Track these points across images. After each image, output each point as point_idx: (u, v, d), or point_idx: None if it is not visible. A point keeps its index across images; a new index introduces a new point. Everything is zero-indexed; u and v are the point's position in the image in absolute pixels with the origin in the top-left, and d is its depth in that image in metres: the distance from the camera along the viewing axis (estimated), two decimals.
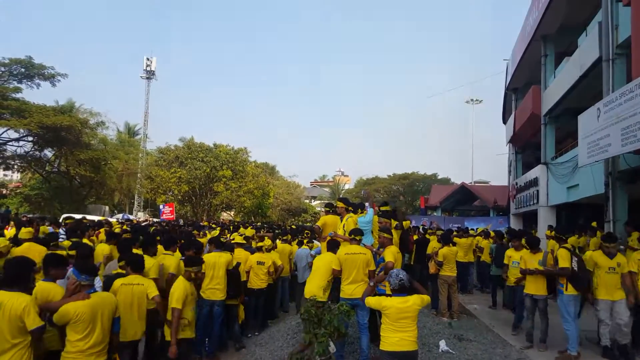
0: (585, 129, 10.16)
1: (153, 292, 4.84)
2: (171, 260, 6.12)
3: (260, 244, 8.30)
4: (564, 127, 16.46)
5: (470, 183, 39.83)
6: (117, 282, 4.76)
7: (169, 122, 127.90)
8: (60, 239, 7.62)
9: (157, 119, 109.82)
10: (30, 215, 25.18)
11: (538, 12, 15.39)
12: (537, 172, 16.95)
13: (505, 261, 8.32)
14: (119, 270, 5.34)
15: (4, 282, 3.64)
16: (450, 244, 9.00)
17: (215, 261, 6.47)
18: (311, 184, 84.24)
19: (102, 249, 6.92)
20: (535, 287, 6.80)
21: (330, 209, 7.63)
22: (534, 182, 17.24)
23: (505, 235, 11.00)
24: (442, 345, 6.40)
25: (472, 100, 47.88)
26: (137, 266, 5.02)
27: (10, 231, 9.93)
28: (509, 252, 8.26)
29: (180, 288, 4.91)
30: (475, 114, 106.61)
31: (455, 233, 10.96)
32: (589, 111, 10.09)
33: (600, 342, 6.35)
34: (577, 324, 6.27)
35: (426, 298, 4.29)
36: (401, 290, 4.21)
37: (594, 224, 11.39)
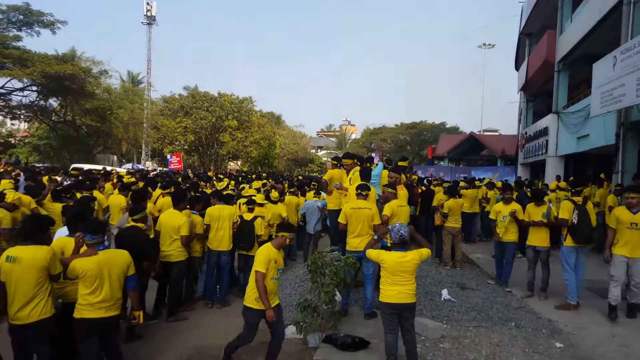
0: (600, 77, 9.86)
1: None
2: (198, 219, 6.47)
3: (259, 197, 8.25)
4: (577, 75, 15.97)
5: (479, 132, 39.44)
6: None
7: (172, 70, 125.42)
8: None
9: (160, 67, 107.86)
10: (40, 165, 25.61)
11: None
12: (547, 121, 16.67)
13: (492, 216, 7.94)
14: (132, 223, 5.48)
15: (19, 236, 3.79)
16: (457, 196, 9.05)
17: (219, 214, 6.66)
18: (317, 134, 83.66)
19: (120, 201, 7.07)
20: (538, 239, 6.90)
21: (338, 162, 7.64)
22: (544, 132, 17.00)
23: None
24: (445, 293, 6.61)
25: (484, 45, 46.36)
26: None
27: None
28: (497, 207, 7.81)
29: (264, 253, 4.46)
30: (487, 60, 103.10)
31: (461, 184, 10.96)
32: (605, 59, 9.74)
33: (609, 299, 5.99)
34: (580, 274, 6.44)
35: (425, 252, 4.34)
36: (401, 244, 4.26)
37: (602, 175, 11.35)
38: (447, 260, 8.93)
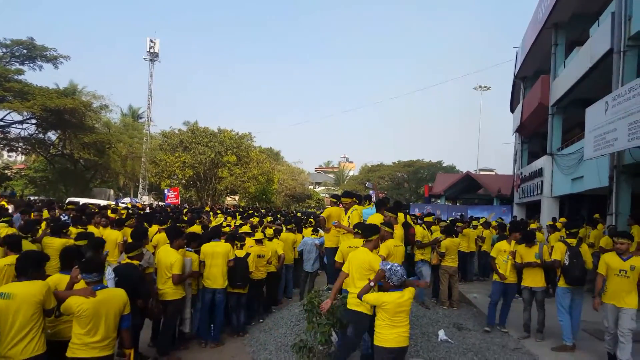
0: (593, 122, 10.12)
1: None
2: (194, 256, 6.47)
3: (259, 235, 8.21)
4: (571, 118, 16.35)
5: (475, 171, 39.79)
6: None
7: (172, 105, 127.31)
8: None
9: (160, 102, 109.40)
10: (36, 198, 25.54)
11: (550, 0, 15.16)
12: (542, 162, 16.92)
13: (494, 253, 7.46)
14: (127, 260, 5.46)
15: (17, 273, 3.78)
16: (453, 235, 9.07)
17: (213, 250, 6.63)
18: (316, 170, 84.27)
19: (115, 236, 7.04)
20: (532, 280, 6.86)
21: (336, 200, 7.69)
22: (539, 173, 17.21)
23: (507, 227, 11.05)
24: (441, 334, 6.52)
25: (480, 87, 47.49)
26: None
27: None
28: (501, 245, 7.41)
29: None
30: (483, 102, 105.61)
31: (459, 225, 11.01)
32: (597, 104, 10.04)
33: (605, 347, 5.79)
34: (576, 315, 6.46)
35: (413, 290, 4.35)
36: (400, 285, 4.24)
37: (596, 215, 11.43)
38: (444, 300, 8.85)
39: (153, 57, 42.64)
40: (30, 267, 3.80)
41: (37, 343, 3.65)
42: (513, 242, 7.29)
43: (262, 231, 8.43)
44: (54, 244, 6.32)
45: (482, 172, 41.87)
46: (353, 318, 4.63)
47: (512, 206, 22.53)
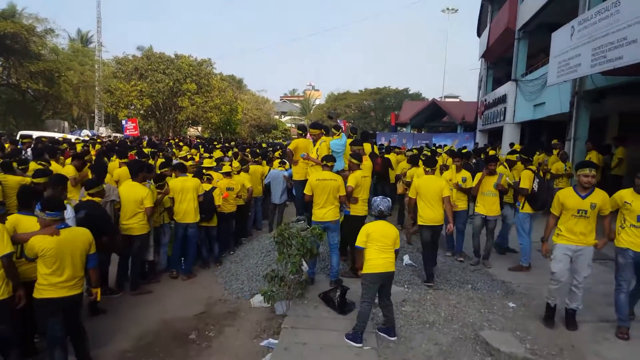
0: (558, 47, 10.08)
1: None
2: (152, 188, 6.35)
3: (227, 168, 8.10)
4: (537, 43, 16.27)
5: (441, 98, 39.94)
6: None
7: (124, 29, 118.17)
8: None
9: (110, 25, 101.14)
10: None
11: None
12: (506, 88, 17.06)
13: None
14: (88, 197, 5.25)
15: None
16: (418, 164, 9.20)
17: (182, 186, 6.61)
18: (281, 99, 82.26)
19: (69, 171, 6.71)
20: (487, 209, 6.97)
21: (303, 131, 7.56)
22: (503, 99, 17.43)
23: (471, 155, 11.29)
24: (406, 259, 6.86)
25: (447, 9, 46.22)
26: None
27: None
28: (448, 175, 7.65)
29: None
30: (451, 26, 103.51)
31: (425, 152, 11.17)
32: (563, 29, 9.95)
33: (546, 298, 5.10)
34: (530, 239, 6.85)
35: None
36: (380, 217, 4.59)
37: (554, 141, 11.83)
38: (409, 227, 9.17)
39: None
40: None
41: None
42: (463, 171, 7.58)
43: (230, 164, 8.28)
44: (8, 182, 5.96)
45: (447, 100, 42.13)
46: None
47: (475, 133, 22.98)
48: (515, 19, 16.19)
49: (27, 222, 3.95)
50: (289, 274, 5.04)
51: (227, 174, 7.73)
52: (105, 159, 8.92)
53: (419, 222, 6.27)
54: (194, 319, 5.37)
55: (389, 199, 4.76)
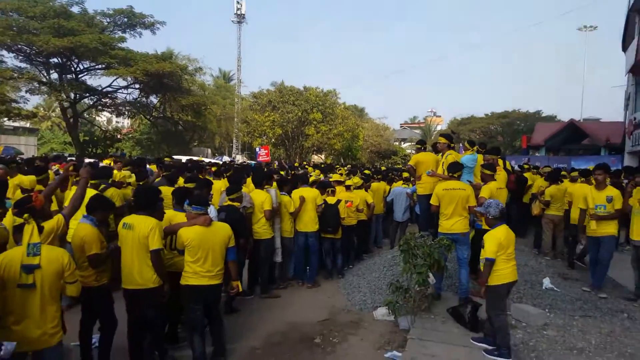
0: None
1: None
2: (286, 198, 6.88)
3: (348, 182, 8.29)
4: None
5: (579, 121, 35.87)
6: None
7: (261, 66, 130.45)
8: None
9: (249, 64, 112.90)
10: (139, 156, 28.19)
11: None
12: None
13: (582, 205, 6.43)
14: (229, 202, 5.80)
15: (136, 208, 4.17)
16: (559, 182, 8.33)
17: (306, 196, 6.93)
18: (401, 126, 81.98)
19: (220, 185, 7.57)
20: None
21: (422, 145, 7.45)
22: None
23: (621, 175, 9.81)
24: (546, 282, 6.18)
25: (585, 27, 41.84)
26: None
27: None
28: (586, 191, 6.46)
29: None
30: (588, 44, 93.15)
31: (564, 173, 10.07)
32: None
33: None
34: None
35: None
36: (502, 218, 4.24)
37: None
38: (547, 250, 8.29)
39: (240, 18, 43.27)
40: (149, 202, 4.16)
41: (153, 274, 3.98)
42: (609, 187, 6.26)
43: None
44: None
45: (586, 122, 37.62)
46: None
47: (623, 155, 20.08)
48: None
49: (180, 218, 4.51)
50: (414, 286, 4.89)
51: (347, 187, 7.92)
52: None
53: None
54: (319, 324, 5.49)
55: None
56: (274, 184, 7.01)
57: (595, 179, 6.34)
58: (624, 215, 6.20)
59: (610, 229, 6.09)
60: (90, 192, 4.57)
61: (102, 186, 5.80)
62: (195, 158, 22.04)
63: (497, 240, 4.09)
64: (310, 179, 8.31)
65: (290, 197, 6.91)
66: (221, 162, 19.06)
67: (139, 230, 3.89)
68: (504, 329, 4.05)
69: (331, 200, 7.29)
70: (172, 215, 4.58)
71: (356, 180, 8.75)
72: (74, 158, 14.66)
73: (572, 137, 28.76)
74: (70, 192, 5.29)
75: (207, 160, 20.63)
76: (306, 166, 18.85)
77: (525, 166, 11.89)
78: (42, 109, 45.66)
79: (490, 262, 4.09)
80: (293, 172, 12.83)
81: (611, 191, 6.14)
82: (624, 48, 22.39)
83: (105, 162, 14.02)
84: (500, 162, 7.01)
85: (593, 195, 6.18)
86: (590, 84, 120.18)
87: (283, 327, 5.42)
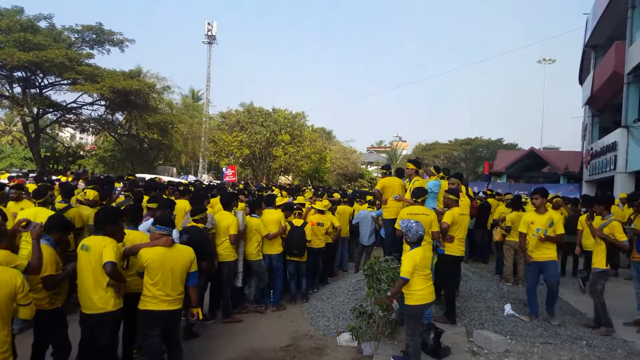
0: None
1: None
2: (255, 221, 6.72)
3: (319, 205, 8.31)
4: None
5: (539, 149, 37.56)
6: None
7: (230, 86, 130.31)
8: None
9: (218, 84, 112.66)
10: (108, 175, 27.33)
11: None
12: (616, 135, 15.58)
13: (522, 229, 6.31)
14: (193, 223, 5.66)
15: (95, 228, 4.00)
16: (520, 209, 8.62)
17: (267, 218, 6.86)
18: (368, 150, 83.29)
19: (184, 205, 7.37)
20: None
21: (387, 170, 7.59)
22: (612, 147, 15.90)
23: (579, 203, 10.31)
24: (508, 308, 6.29)
25: (544, 59, 44.37)
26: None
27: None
28: (528, 217, 6.30)
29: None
30: (547, 76, 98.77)
31: (524, 199, 10.45)
32: None
33: None
34: None
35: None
36: (418, 242, 4.46)
37: None
38: (509, 276, 8.49)
39: (211, 39, 43.46)
40: (107, 222, 3.98)
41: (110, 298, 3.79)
42: (551, 211, 6.39)
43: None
44: None
45: (546, 150, 39.47)
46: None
47: (581, 184, 21.07)
48: (623, 62, 15.03)
49: (135, 235, 4.38)
50: (378, 311, 4.88)
51: (320, 211, 7.88)
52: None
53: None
54: (281, 350, 5.37)
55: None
56: (241, 204, 6.90)
57: (533, 203, 6.34)
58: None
59: (550, 253, 6.03)
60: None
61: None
62: (164, 178, 21.57)
63: (414, 261, 4.27)
64: (281, 201, 8.28)
65: (261, 219, 6.80)
66: (186, 181, 18.70)
67: (94, 251, 3.71)
68: (417, 353, 4.21)
69: (297, 222, 7.24)
70: (133, 236, 4.41)
71: (326, 203, 8.77)
72: (34, 174, 13.97)
73: (533, 164, 30.03)
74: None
75: (165, 179, 20.11)
76: (273, 187, 18.76)
77: (489, 192, 12.26)
78: (2, 122, 43.82)
79: (404, 281, 4.28)
80: (261, 192, 12.73)
81: (553, 214, 6.16)
82: (581, 81, 23.83)
83: (63, 179, 13.51)
84: (462, 188, 7.19)
85: (533, 219, 6.13)
86: (549, 114, 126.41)
87: (245, 353, 5.26)
